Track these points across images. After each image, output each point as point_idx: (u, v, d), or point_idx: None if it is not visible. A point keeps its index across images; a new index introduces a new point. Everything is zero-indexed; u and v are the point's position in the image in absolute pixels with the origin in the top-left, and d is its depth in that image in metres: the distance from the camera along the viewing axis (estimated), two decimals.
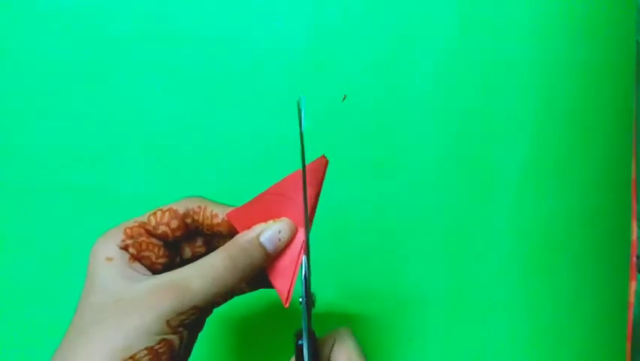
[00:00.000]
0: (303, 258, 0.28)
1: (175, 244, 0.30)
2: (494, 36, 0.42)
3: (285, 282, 0.28)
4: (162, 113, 0.41)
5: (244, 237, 0.28)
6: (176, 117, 0.41)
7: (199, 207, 0.29)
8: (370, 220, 0.42)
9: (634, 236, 0.33)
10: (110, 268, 0.26)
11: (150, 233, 0.28)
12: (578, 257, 0.43)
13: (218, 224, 0.29)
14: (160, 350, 0.25)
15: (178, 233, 0.29)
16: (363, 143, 0.42)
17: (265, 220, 0.28)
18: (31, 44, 0.41)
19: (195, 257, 0.29)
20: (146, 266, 0.28)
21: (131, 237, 0.28)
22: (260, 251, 0.27)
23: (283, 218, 0.28)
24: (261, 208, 0.28)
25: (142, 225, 0.28)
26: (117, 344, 0.24)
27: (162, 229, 0.28)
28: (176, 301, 0.25)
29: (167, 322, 0.25)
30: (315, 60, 0.42)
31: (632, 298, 0.33)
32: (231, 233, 0.29)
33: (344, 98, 0.42)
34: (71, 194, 0.41)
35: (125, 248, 0.27)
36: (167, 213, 0.28)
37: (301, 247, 0.28)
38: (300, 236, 0.29)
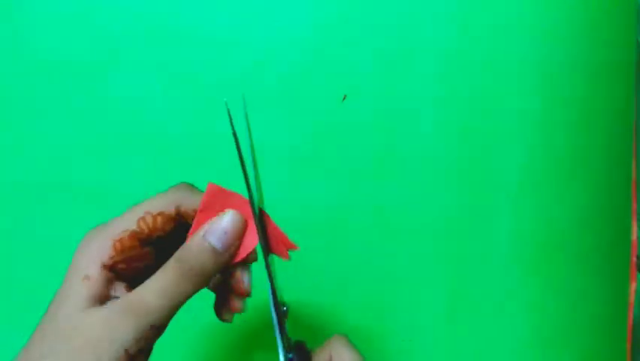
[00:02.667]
0: (267, 277, 0.26)
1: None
2: (494, 36, 0.42)
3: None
4: (160, 111, 0.41)
5: (192, 240, 0.25)
6: (176, 117, 0.41)
7: (192, 209, 0.27)
8: (370, 220, 0.42)
9: (634, 236, 0.33)
10: (83, 291, 0.24)
11: (142, 241, 0.26)
12: (578, 257, 0.43)
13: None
14: None
15: (170, 233, 0.27)
16: (362, 143, 0.42)
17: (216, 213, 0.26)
18: (23, 42, 0.41)
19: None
20: (131, 276, 0.26)
21: (122, 251, 0.25)
22: (208, 252, 0.25)
23: (227, 210, 0.26)
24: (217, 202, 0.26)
25: (134, 235, 0.25)
26: None
27: (157, 234, 0.26)
28: (133, 326, 0.23)
29: (126, 350, 0.23)
30: (315, 60, 0.42)
31: (632, 298, 0.33)
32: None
33: (344, 98, 0.42)
34: (67, 192, 0.41)
35: (113, 266, 0.25)
36: (159, 218, 0.26)
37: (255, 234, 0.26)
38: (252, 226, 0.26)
